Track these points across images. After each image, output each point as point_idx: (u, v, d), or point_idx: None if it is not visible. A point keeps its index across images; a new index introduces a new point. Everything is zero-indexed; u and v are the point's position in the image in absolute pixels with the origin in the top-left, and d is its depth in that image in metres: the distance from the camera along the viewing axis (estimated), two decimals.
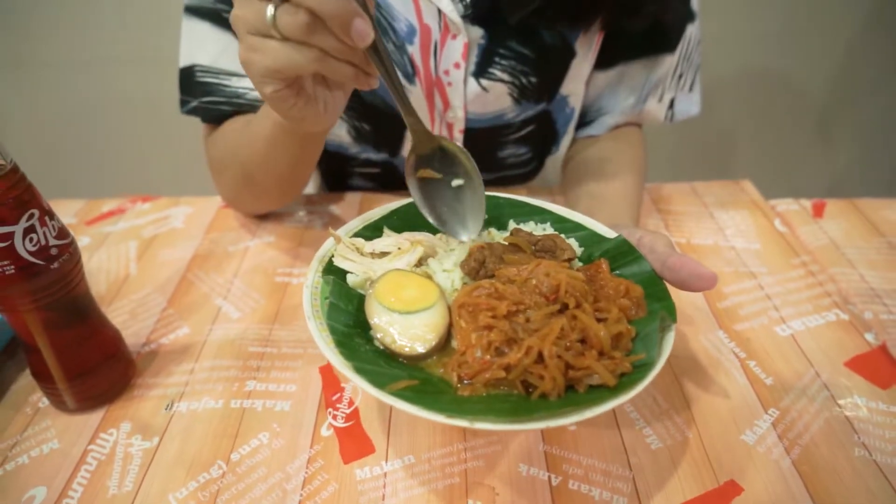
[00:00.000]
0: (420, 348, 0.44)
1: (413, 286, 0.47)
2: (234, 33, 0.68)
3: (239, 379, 0.56)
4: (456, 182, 0.52)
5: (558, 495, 0.46)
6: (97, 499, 0.46)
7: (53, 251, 0.46)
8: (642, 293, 0.47)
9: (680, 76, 0.76)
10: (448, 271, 0.50)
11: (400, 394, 0.39)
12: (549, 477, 0.47)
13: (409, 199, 0.57)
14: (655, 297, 0.47)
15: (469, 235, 0.52)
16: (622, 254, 0.51)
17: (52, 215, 0.46)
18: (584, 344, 0.42)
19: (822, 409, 0.52)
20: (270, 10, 0.41)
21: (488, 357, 0.42)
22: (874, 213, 0.76)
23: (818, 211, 0.78)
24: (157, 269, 0.71)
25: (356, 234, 0.54)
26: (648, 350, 0.42)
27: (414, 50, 0.69)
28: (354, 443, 0.50)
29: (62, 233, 0.47)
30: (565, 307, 0.44)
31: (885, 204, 0.78)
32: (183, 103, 0.73)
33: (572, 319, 0.43)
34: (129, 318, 0.63)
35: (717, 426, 0.50)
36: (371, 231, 0.55)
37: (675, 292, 0.47)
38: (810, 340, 0.58)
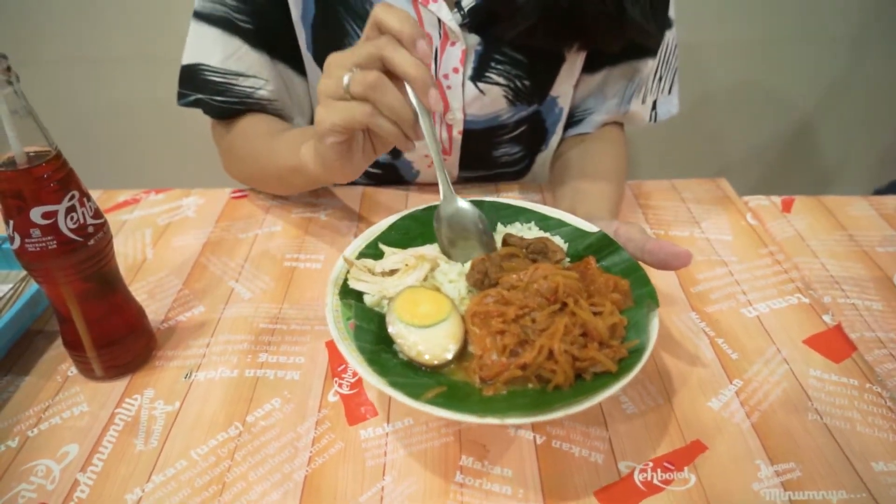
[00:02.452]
0: (445, 357, 0.49)
1: (427, 301, 0.53)
2: (244, 39, 0.75)
3: (252, 352, 0.61)
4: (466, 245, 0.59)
5: (542, 452, 0.51)
6: (126, 454, 0.51)
7: (90, 229, 0.51)
8: (629, 286, 0.53)
9: (660, 79, 0.82)
10: (454, 282, 0.56)
11: (433, 401, 0.44)
12: (535, 437, 0.52)
13: (404, 212, 0.63)
14: (637, 284, 0.53)
15: None
16: (604, 246, 0.57)
17: (89, 197, 0.51)
18: (585, 337, 0.48)
19: (782, 381, 0.57)
20: (346, 77, 0.51)
21: (504, 359, 0.47)
22: (838, 208, 0.83)
23: (787, 206, 0.84)
24: (172, 254, 0.76)
25: (362, 253, 0.59)
26: (640, 335, 0.49)
27: None
28: (358, 407, 0.55)
29: (97, 213, 0.52)
30: (564, 305, 0.50)
31: (847, 201, 0.84)
32: (181, 96, 0.79)
33: (572, 316, 0.49)
34: (148, 297, 0.68)
35: (686, 394, 0.56)
36: (375, 249, 0.60)
37: (652, 277, 0.53)
38: (773, 321, 0.64)
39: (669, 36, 0.80)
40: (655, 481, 0.49)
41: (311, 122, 0.89)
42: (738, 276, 0.70)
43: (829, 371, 0.58)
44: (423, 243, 0.61)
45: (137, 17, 1.44)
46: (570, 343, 0.47)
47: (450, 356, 0.49)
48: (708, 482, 0.48)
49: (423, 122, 0.53)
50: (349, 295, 0.54)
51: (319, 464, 0.50)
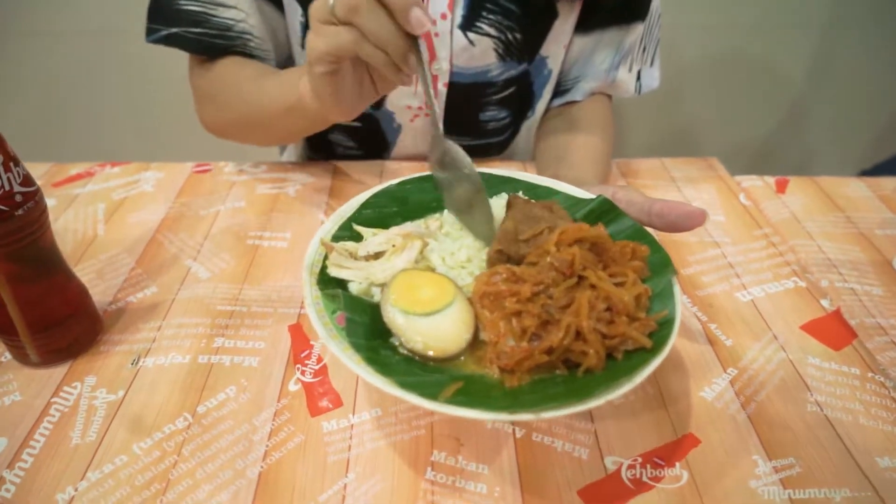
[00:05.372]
0: (455, 347, 0.43)
1: (427, 284, 0.46)
2: None
3: (207, 336, 0.56)
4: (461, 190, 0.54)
5: (521, 446, 0.47)
6: (60, 448, 0.46)
7: (18, 198, 0.45)
8: (647, 253, 0.47)
9: (644, 49, 0.79)
10: (449, 260, 0.49)
11: (454, 400, 0.38)
12: (514, 430, 0.48)
13: (377, 188, 0.57)
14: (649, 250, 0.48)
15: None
16: (605, 213, 0.52)
17: (17, 162, 0.46)
18: (610, 311, 0.43)
19: (778, 369, 0.53)
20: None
21: (525, 343, 0.41)
22: (833, 189, 0.79)
23: (781, 187, 0.80)
24: (126, 230, 0.70)
25: (335, 236, 0.52)
26: (666, 305, 0.44)
27: None
28: (322, 397, 0.51)
29: (27, 180, 0.47)
30: (581, 279, 0.44)
31: (843, 182, 0.81)
32: (151, 31, 0.71)
33: (593, 289, 0.43)
34: (96, 277, 0.63)
35: (677, 383, 0.52)
36: (349, 231, 0.53)
37: None
38: (769, 305, 0.60)
39: (654, 5, 0.76)
40: (645, 478, 0.44)
41: (286, 65, 0.83)
42: (732, 259, 0.66)
43: (829, 359, 0.54)
44: (401, 221, 0.55)
45: None
46: (596, 319, 0.42)
47: (460, 346, 0.43)
48: (701, 479, 0.44)
49: (415, 53, 0.48)
50: (329, 284, 0.48)
51: (276, 459, 0.46)
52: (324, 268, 0.49)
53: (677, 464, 0.45)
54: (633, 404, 0.50)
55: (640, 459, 0.46)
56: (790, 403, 0.50)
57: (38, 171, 0.80)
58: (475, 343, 0.44)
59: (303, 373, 0.52)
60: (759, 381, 0.52)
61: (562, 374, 0.42)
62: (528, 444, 0.47)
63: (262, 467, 0.45)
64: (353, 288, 0.48)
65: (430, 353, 0.43)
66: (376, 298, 0.47)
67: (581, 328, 0.41)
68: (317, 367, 0.53)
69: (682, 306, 0.59)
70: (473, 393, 0.40)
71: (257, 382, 0.52)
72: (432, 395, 0.38)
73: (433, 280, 0.47)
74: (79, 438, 0.47)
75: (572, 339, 0.41)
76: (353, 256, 0.50)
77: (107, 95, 1.52)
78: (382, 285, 0.47)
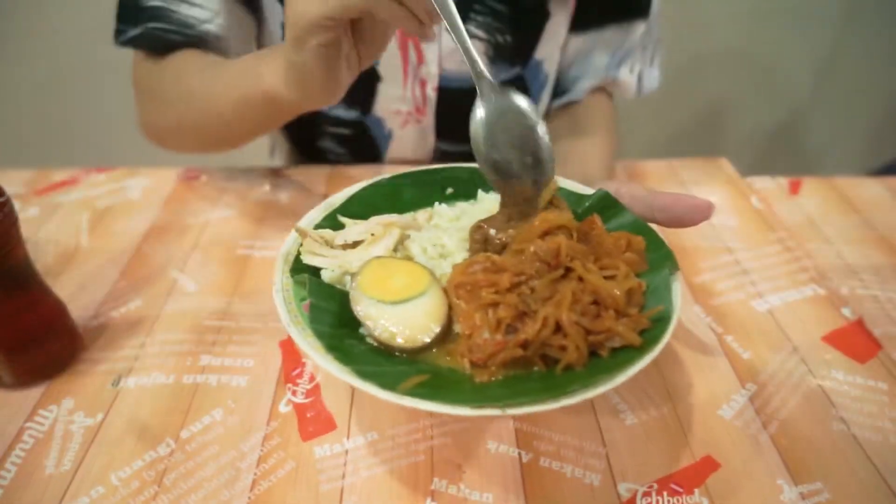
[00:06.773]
0: (424, 338, 0.40)
1: (400, 272, 0.43)
2: None
3: (193, 353, 0.53)
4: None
5: (528, 473, 0.44)
6: (32, 478, 0.43)
7: None
8: (644, 245, 0.44)
9: (643, 48, 0.76)
10: (430, 251, 0.47)
11: (414, 392, 0.35)
12: (520, 454, 0.45)
13: (367, 182, 0.54)
14: (650, 247, 0.45)
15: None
16: (605, 207, 0.49)
17: None
18: (597, 306, 0.39)
19: (800, 384, 0.50)
20: None
21: (500, 336, 0.38)
22: (850, 190, 0.76)
23: (794, 188, 0.77)
24: (111, 240, 0.67)
25: (319, 226, 0.49)
26: (662, 301, 0.40)
27: None
28: (314, 419, 0.47)
29: None
30: (568, 271, 0.41)
31: (859, 182, 0.77)
32: (119, 33, 0.67)
33: (580, 282, 0.40)
34: (78, 290, 0.59)
35: (693, 401, 0.49)
36: (333, 221, 0.50)
37: None
38: (788, 315, 0.57)
39: (654, 2, 0.73)
40: None
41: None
42: (746, 265, 0.63)
43: (853, 372, 0.51)
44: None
45: None
46: (580, 313, 0.38)
47: (431, 337, 0.40)
48: None
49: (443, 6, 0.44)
50: (303, 272, 0.45)
51: (265, 488, 0.43)
52: (298, 255, 0.46)
53: (696, 490, 0.42)
54: (646, 424, 0.47)
55: (655, 486, 0.43)
56: (814, 422, 0.47)
57: (21, 177, 0.77)
58: (449, 336, 0.41)
59: (294, 393, 0.49)
60: (781, 398, 0.49)
61: (539, 372, 0.39)
62: (535, 469, 0.44)
63: (249, 498, 0.42)
64: (326, 276, 0.46)
65: (399, 341, 0.40)
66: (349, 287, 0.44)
67: (560, 320, 0.38)
68: (309, 387, 0.50)
69: (695, 316, 0.56)
70: (438, 386, 0.37)
71: (246, 404, 0.48)
72: (392, 385, 0.35)
73: (406, 268, 0.44)
74: (53, 468, 0.44)
75: (550, 333, 0.38)
76: (329, 245, 0.47)
77: (96, 98, 1.49)
78: (356, 272, 0.44)
